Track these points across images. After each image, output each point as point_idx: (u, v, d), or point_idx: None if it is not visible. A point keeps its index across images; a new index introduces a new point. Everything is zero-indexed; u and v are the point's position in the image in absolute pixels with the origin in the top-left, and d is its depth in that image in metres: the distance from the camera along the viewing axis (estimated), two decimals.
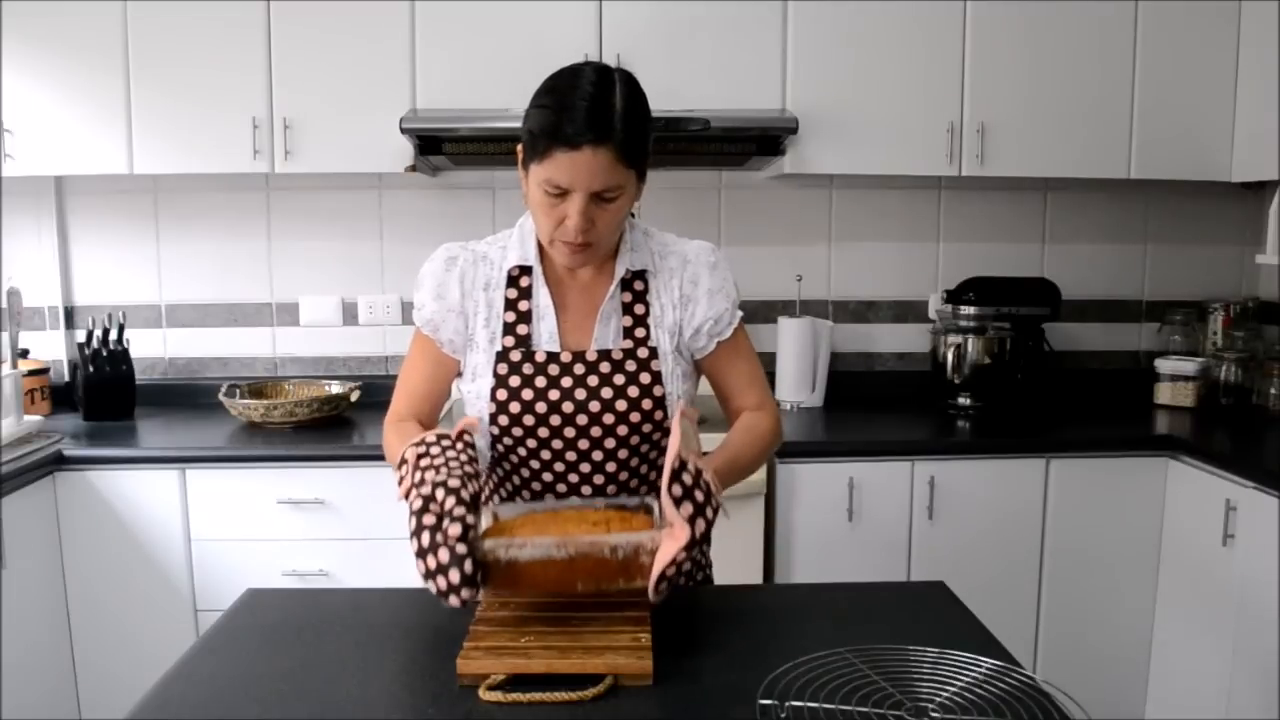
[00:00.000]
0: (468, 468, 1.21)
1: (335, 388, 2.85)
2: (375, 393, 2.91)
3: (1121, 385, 3.09)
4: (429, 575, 1.12)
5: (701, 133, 2.51)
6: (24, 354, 2.78)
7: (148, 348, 3.00)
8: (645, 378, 1.40)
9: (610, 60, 2.57)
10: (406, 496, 1.20)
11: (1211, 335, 3.04)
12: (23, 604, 2.25)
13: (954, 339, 2.84)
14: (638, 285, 1.44)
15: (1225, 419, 2.79)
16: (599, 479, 1.41)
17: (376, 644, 1.23)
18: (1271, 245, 2.62)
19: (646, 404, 1.39)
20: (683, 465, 1.19)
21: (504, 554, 1.15)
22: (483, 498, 1.24)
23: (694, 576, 1.55)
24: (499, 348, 1.41)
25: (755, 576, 2.43)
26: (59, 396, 2.88)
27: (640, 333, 1.42)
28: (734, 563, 2.12)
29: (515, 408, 1.38)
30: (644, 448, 1.42)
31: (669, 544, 1.15)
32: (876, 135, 2.68)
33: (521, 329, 1.41)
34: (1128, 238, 3.13)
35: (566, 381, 1.39)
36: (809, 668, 1.10)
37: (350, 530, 2.43)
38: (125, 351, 2.83)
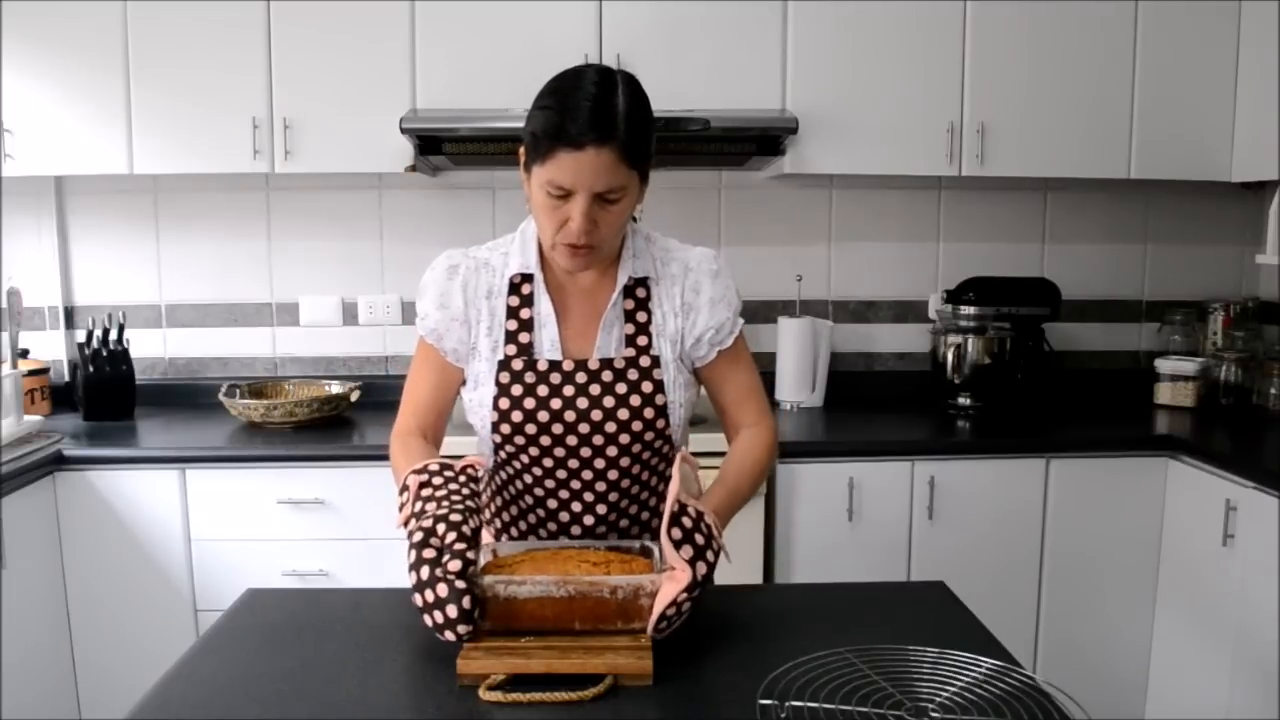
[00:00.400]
0: (469, 501, 1.21)
1: (335, 388, 2.85)
2: (375, 393, 2.91)
3: (1121, 385, 3.09)
4: (427, 609, 1.13)
5: (701, 133, 2.51)
6: (24, 354, 2.78)
7: (148, 348, 3.00)
8: (647, 386, 1.39)
9: (610, 60, 2.58)
10: (405, 524, 1.20)
11: (1211, 335, 3.04)
12: (23, 604, 2.25)
13: (954, 339, 2.84)
14: (640, 292, 1.43)
15: (1225, 419, 2.79)
16: (601, 486, 1.41)
17: (376, 644, 1.23)
18: (1271, 245, 2.62)
19: (649, 413, 1.39)
20: (682, 509, 1.20)
21: (503, 590, 1.15)
22: (482, 530, 1.25)
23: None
24: (501, 356, 1.40)
25: (755, 576, 2.43)
26: (59, 396, 2.88)
27: (642, 341, 1.41)
28: (734, 563, 2.12)
29: (517, 416, 1.38)
30: (646, 455, 1.42)
31: (670, 586, 1.16)
32: (876, 135, 2.68)
33: (523, 337, 1.41)
34: (1128, 238, 3.13)
35: (569, 390, 1.38)
36: (809, 668, 1.10)
37: (350, 530, 2.43)
38: (125, 351, 2.82)
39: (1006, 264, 3.08)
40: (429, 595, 1.13)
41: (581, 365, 1.39)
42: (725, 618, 1.31)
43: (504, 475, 1.46)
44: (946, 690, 1.05)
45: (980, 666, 1.11)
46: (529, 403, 1.38)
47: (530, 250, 1.42)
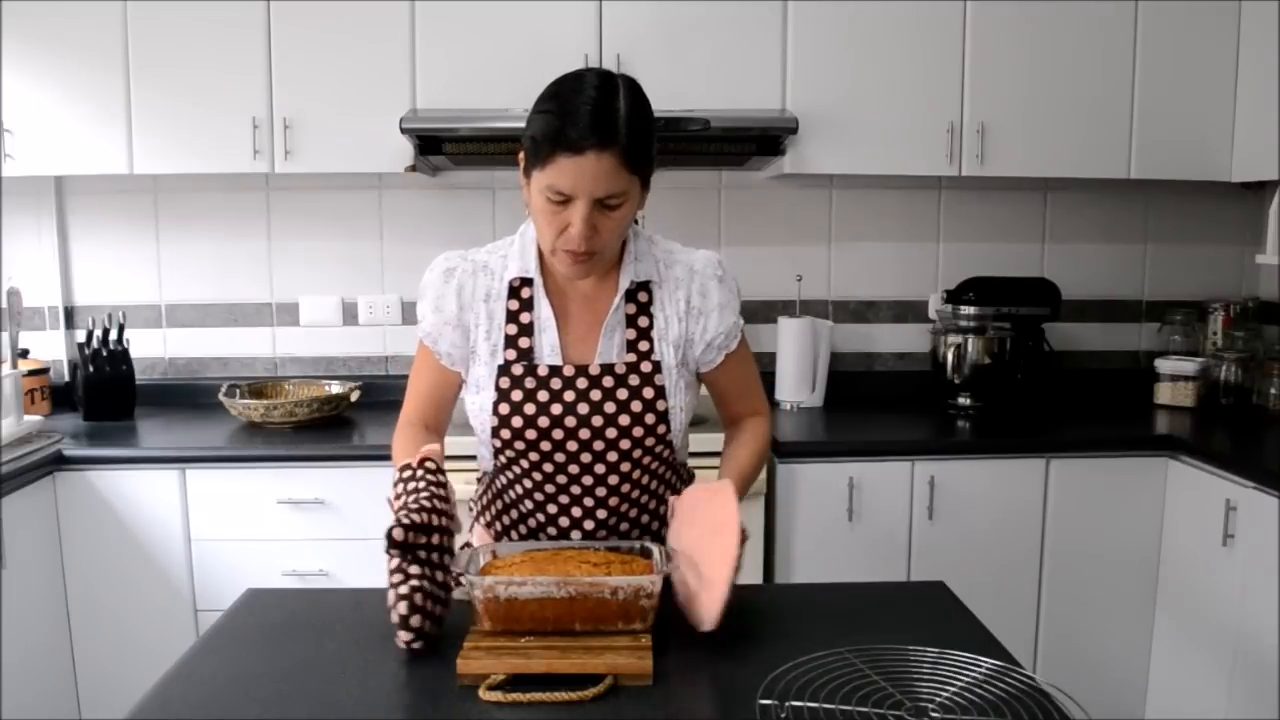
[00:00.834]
0: (423, 501, 1.23)
1: (335, 388, 2.85)
2: (375, 393, 2.91)
3: (1121, 385, 3.09)
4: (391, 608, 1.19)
5: (701, 133, 2.51)
6: (24, 354, 2.78)
7: (148, 348, 3.00)
8: (649, 392, 1.39)
9: (610, 60, 2.58)
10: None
11: (1211, 335, 3.04)
12: (23, 604, 2.25)
13: (954, 339, 2.84)
14: (642, 296, 1.42)
15: (1225, 419, 2.79)
16: (601, 491, 1.40)
17: (376, 644, 1.23)
18: (1271, 245, 2.62)
19: (650, 418, 1.38)
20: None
21: (504, 591, 1.16)
22: (454, 520, 1.27)
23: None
24: (500, 361, 1.39)
25: (755, 576, 2.43)
26: (59, 396, 2.88)
27: (644, 346, 1.40)
28: None
29: (517, 422, 1.37)
30: (646, 460, 1.41)
31: (718, 570, 1.18)
32: (876, 135, 2.68)
33: (523, 342, 1.40)
34: (1128, 238, 3.13)
35: (569, 396, 1.37)
36: (809, 668, 1.10)
37: (350, 530, 2.43)
38: (125, 351, 2.82)
39: (1006, 264, 3.08)
40: (388, 598, 1.19)
41: (582, 371, 1.38)
42: (725, 618, 1.30)
43: (504, 480, 1.46)
44: (946, 690, 1.05)
45: (980, 666, 1.11)
46: (529, 408, 1.37)
47: (530, 254, 1.41)
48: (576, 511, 1.42)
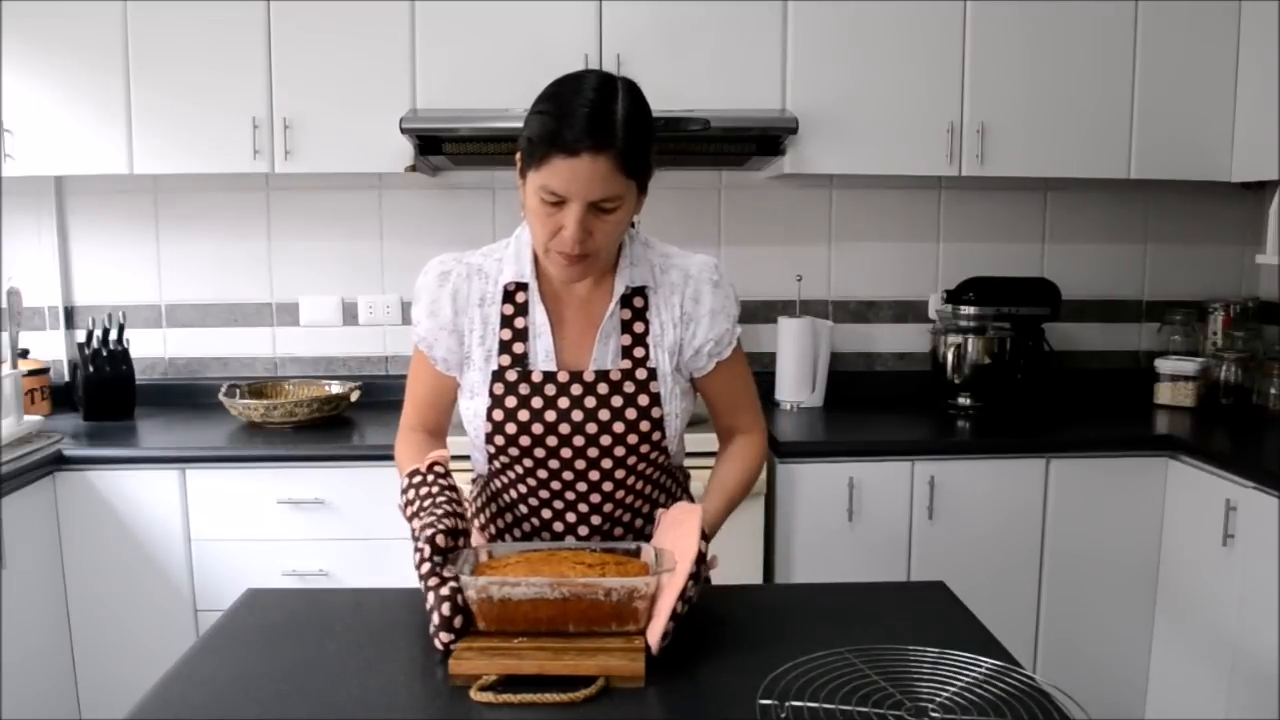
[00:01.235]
0: (446, 507, 1.25)
1: (335, 388, 2.85)
2: (375, 393, 2.91)
3: (1121, 385, 3.09)
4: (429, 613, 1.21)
5: (701, 133, 2.51)
6: (24, 354, 2.78)
7: (148, 348, 3.00)
8: (643, 399, 1.37)
9: (610, 60, 2.58)
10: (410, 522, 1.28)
11: (1211, 335, 3.04)
12: (23, 604, 2.25)
13: (954, 339, 2.84)
14: (637, 302, 1.41)
15: (1225, 419, 2.79)
16: (595, 498, 1.40)
17: (375, 644, 1.23)
18: (1271, 245, 2.62)
19: (644, 425, 1.37)
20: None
21: (497, 592, 1.16)
22: (469, 522, 1.29)
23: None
24: (494, 366, 1.38)
25: (755, 576, 2.43)
26: (59, 396, 2.88)
27: (639, 352, 1.39)
28: (734, 563, 2.12)
29: (511, 428, 1.37)
30: (641, 466, 1.41)
31: (665, 599, 1.18)
32: (876, 135, 2.68)
33: (518, 347, 1.39)
34: (1128, 238, 3.13)
35: (563, 402, 1.36)
36: (809, 668, 1.10)
37: (350, 530, 2.43)
38: (125, 351, 2.82)
39: (1006, 264, 3.08)
40: (428, 601, 1.20)
41: (577, 377, 1.37)
42: (725, 618, 1.31)
43: (498, 484, 1.45)
44: (946, 690, 1.05)
45: (980, 666, 1.11)
46: (523, 415, 1.36)
47: (525, 258, 1.40)
48: (571, 517, 1.41)
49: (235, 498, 2.43)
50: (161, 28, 2.57)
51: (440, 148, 2.60)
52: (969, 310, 2.86)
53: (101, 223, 2.98)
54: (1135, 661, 2.59)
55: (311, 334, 3.04)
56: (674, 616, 1.16)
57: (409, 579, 1.22)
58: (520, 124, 1.32)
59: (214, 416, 2.78)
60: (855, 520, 2.48)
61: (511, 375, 1.38)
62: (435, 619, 1.18)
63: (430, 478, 1.29)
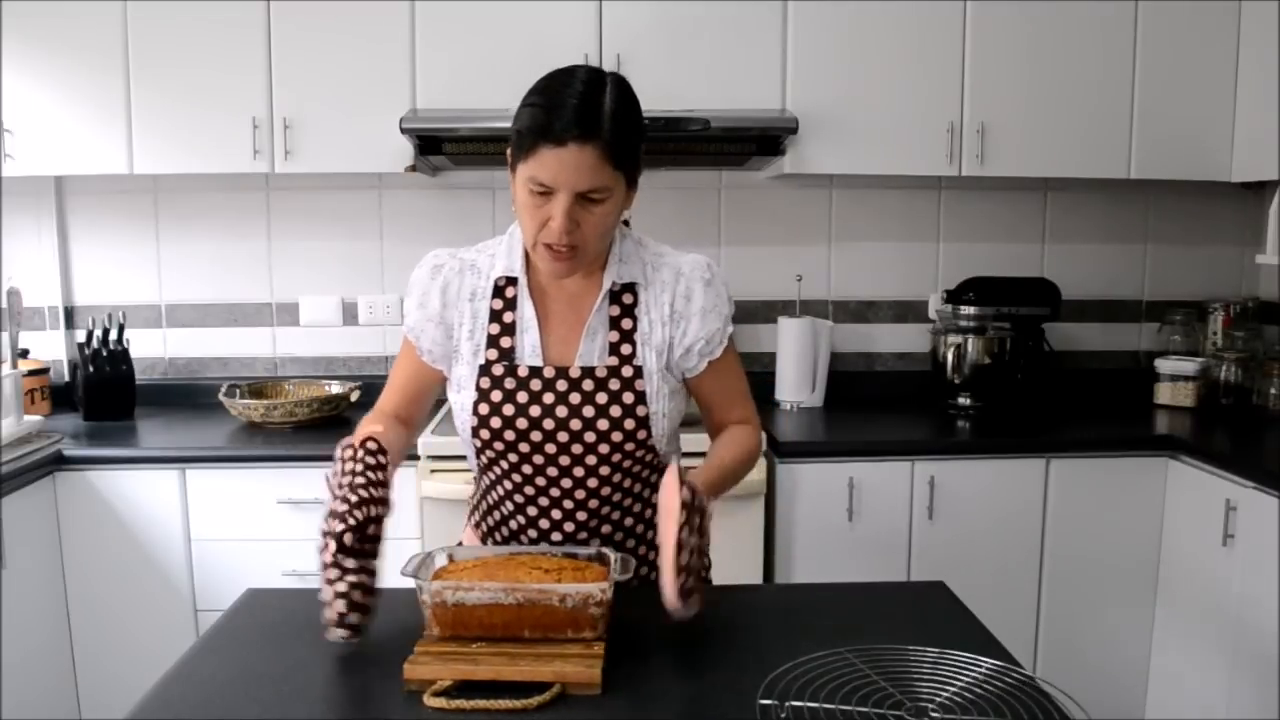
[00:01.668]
0: (363, 492, 1.23)
1: (335, 388, 2.85)
2: (375, 393, 2.84)
3: (1121, 385, 3.09)
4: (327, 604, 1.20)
5: (701, 133, 2.51)
6: (24, 354, 2.78)
7: (148, 348, 3.00)
8: (629, 397, 1.37)
9: (610, 60, 2.58)
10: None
11: (1211, 335, 3.04)
12: (23, 604, 2.25)
13: (954, 339, 2.84)
14: (626, 298, 1.41)
15: (1225, 419, 2.79)
16: (580, 494, 1.40)
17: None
18: (1271, 245, 2.62)
19: (629, 424, 1.37)
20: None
21: (451, 596, 1.15)
22: (388, 507, 1.26)
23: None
24: (482, 360, 1.39)
25: (755, 576, 2.43)
26: (59, 396, 2.88)
27: (626, 349, 1.39)
28: (734, 563, 2.12)
29: (496, 423, 1.37)
30: (627, 464, 1.40)
31: (667, 527, 1.16)
32: (876, 135, 2.68)
33: (505, 342, 1.39)
34: (1128, 238, 3.13)
35: (548, 398, 1.36)
36: (809, 668, 1.10)
37: None
38: (125, 351, 2.83)
39: (1006, 264, 3.08)
40: (323, 593, 1.20)
41: (562, 373, 1.37)
42: (725, 618, 1.31)
43: (487, 480, 1.46)
44: (946, 690, 1.05)
45: (980, 666, 1.11)
46: (508, 409, 1.36)
47: (516, 253, 1.41)
48: (557, 514, 1.41)
49: (235, 498, 2.43)
50: (161, 28, 2.57)
51: (440, 148, 2.60)
52: (969, 310, 2.86)
53: (101, 223, 2.98)
54: (1135, 661, 2.59)
55: (311, 334, 3.04)
56: (687, 570, 1.16)
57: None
58: None
59: (214, 416, 2.78)
60: (855, 520, 2.48)
61: (497, 370, 1.38)
62: (330, 614, 1.18)
63: (360, 454, 1.27)
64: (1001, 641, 1.23)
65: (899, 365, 3.12)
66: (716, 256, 2.98)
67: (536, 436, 1.37)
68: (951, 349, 2.84)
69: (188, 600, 2.45)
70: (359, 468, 1.26)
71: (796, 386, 2.88)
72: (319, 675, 1.15)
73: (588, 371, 1.38)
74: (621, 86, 1.30)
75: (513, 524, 1.45)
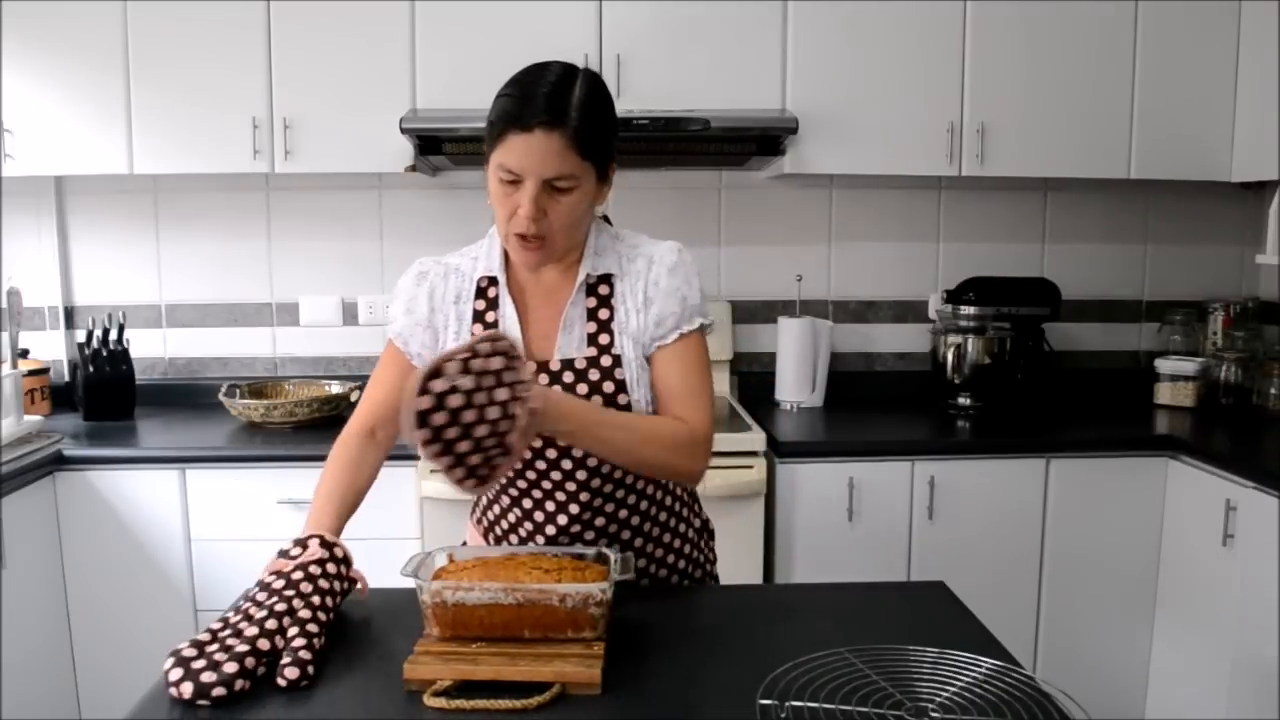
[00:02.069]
0: (319, 616, 1.19)
1: (335, 388, 2.85)
2: None
3: (1121, 385, 3.09)
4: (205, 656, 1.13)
5: (701, 133, 2.51)
6: (24, 354, 2.78)
7: (148, 348, 3.00)
8: (609, 386, 1.37)
9: (610, 60, 2.58)
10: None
11: (1211, 335, 3.04)
12: (23, 604, 2.25)
13: (954, 339, 2.84)
14: (603, 289, 1.41)
15: (1225, 419, 2.79)
16: (571, 486, 1.40)
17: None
18: (1271, 245, 2.62)
19: None
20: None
21: (451, 596, 1.15)
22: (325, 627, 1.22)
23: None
24: None
25: (755, 576, 2.43)
26: (59, 396, 2.88)
27: (604, 339, 1.39)
28: (734, 563, 2.12)
29: None
30: None
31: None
32: (876, 135, 2.68)
33: None
34: (1128, 238, 3.13)
35: None
36: (809, 668, 1.10)
37: (349, 530, 2.41)
38: (125, 351, 2.83)
39: (1006, 264, 3.08)
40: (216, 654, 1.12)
41: (543, 367, 1.38)
42: (725, 618, 1.31)
43: None
44: (946, 690, 1.05)
45: (980, 666, 1.11)
46: None
47: (495, 253, 1.43)
48: (550, 506, 1.41)
49: (235, 498, 2.43)
50: (161, 28, 2.57)
51: (440, 148, 2.60)
52: (969, 310, 2.86)
53: (101, 223, 2.98)
54: (1135, 661, 2.59)
55: (311, 334, 3.04)
56: (451, 416, 1.12)
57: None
58: None
59: (214, 416, 2.78)
60: (855, 520, 2.48)
61: None
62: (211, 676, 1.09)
63: (330, 568, 1.26)
64: (1001, 641, 1.23)
65: (899, 365, 3.12)
66: (716, 256, 2.99)
67: None
68: (951, 349, 2.84)
69: (188, 600, 2.45)
70: (325, 585, 1.24)
71: (796, 386, 2.88)
72: (318, 675, 1.15)
73: (567, 364, 1.38)
74: (593, 80, 1.33)
75: (510, 518, 1.46)
